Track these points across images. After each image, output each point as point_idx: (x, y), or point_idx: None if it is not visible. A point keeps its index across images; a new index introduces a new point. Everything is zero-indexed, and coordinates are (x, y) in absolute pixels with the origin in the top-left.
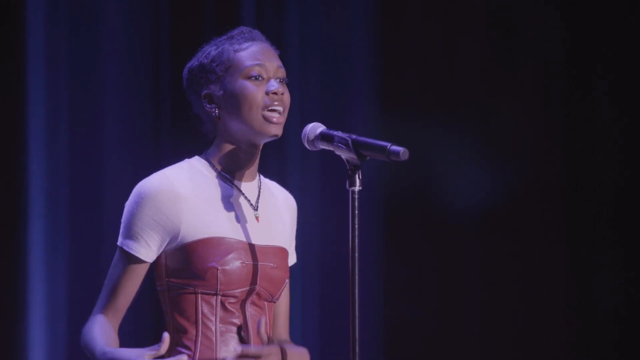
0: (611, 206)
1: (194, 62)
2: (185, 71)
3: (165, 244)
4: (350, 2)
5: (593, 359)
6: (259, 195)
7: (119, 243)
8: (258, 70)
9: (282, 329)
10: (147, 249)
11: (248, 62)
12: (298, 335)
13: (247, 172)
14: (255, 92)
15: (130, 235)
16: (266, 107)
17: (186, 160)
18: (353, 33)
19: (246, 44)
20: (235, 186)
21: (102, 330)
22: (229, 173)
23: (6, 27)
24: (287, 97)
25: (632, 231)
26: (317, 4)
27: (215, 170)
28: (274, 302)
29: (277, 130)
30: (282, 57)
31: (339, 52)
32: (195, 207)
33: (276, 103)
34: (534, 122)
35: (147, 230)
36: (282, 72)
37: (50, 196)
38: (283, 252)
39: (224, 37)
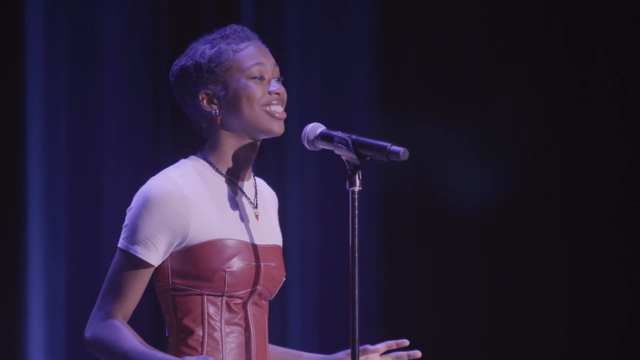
0: (612, 205)
1: (187, 61)
2: (175, 69)
3: (173, 247)
4: (350, 2)
5: (593, 359)
6: (256, 193)
7: (123, 247)
8: (259, 70)
9: None
10: (156, 253)
11: (249, 63)
12: (298, 335)
13: (246, 171)
14: (258, 91)
15: (138, 240)
16: (268, 104)
17: (183, 160)
18: (353, 33)
19: (244, 44)
20: (237, 185)
21: (135, 336)
22: (229, 172)
23: (5, 26)
24: (285, 95)
25: (633, 231)
26: (317, 4)
27: (216, 170)
28: (270, 300)
29: (280, 127)
30: (282, 57)
31: (339, 52)
32: (202, 209)
33: (275, 102)
34: (534, 121)
35: (156, 234)
36: (277, 70)
37: (50, 196)
38: (280, 250)
39: (216, 35)
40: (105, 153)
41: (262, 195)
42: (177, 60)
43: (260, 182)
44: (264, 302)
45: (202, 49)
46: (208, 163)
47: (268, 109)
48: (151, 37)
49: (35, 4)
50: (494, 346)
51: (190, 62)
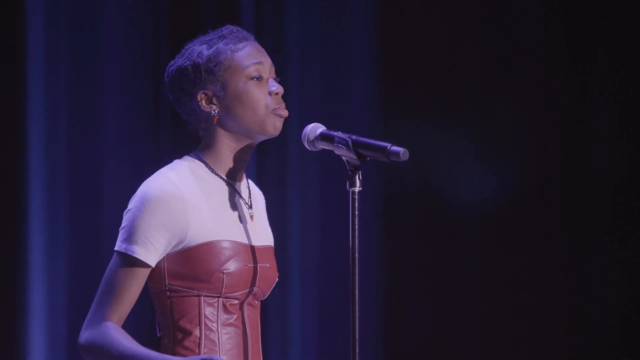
0: (612, 205)
1: (184, 62)
2: (172, 70)
3: (170, 248)
4: (350, 2)
5: (593, 359)
6: (249, 194)
7: (121, 250)
8: (258, 69)
9: None
10: (155, 254)
11: (248, 62)
12: (298, 335)
13: (241, 172)
14: (261, 93)
15: (136, 240)
16: (275, 108)
17: (177, 161)
18: (353, 33)
19: (241, 44)
20: (233, 186)
21: (130, 339)
22: (225, 173)
23: (6, 26)
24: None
25: (633, 231)
26: (317, 4)
27: (212, 170)
28: (262, 300)
29: (281, 127)
30: (282, 57)
31: (339, 52)
32: (200, 210)
33: (280, 104)
34: (534, 121)
35: (155, 235)
36: (274, 70)
37: (50, 196)
38: (273, 251)
39: (213, 36)
40: (105, 153)
41: (255, 196)
42: (172, 61)
43: (250, 182)
44: (256, 302)
45: (199, 49)
46: (203, 163)
47: (275, 112)
48: (151, 37)
49: (35, 4)
50: (494, 346)
51: (188, 62)
